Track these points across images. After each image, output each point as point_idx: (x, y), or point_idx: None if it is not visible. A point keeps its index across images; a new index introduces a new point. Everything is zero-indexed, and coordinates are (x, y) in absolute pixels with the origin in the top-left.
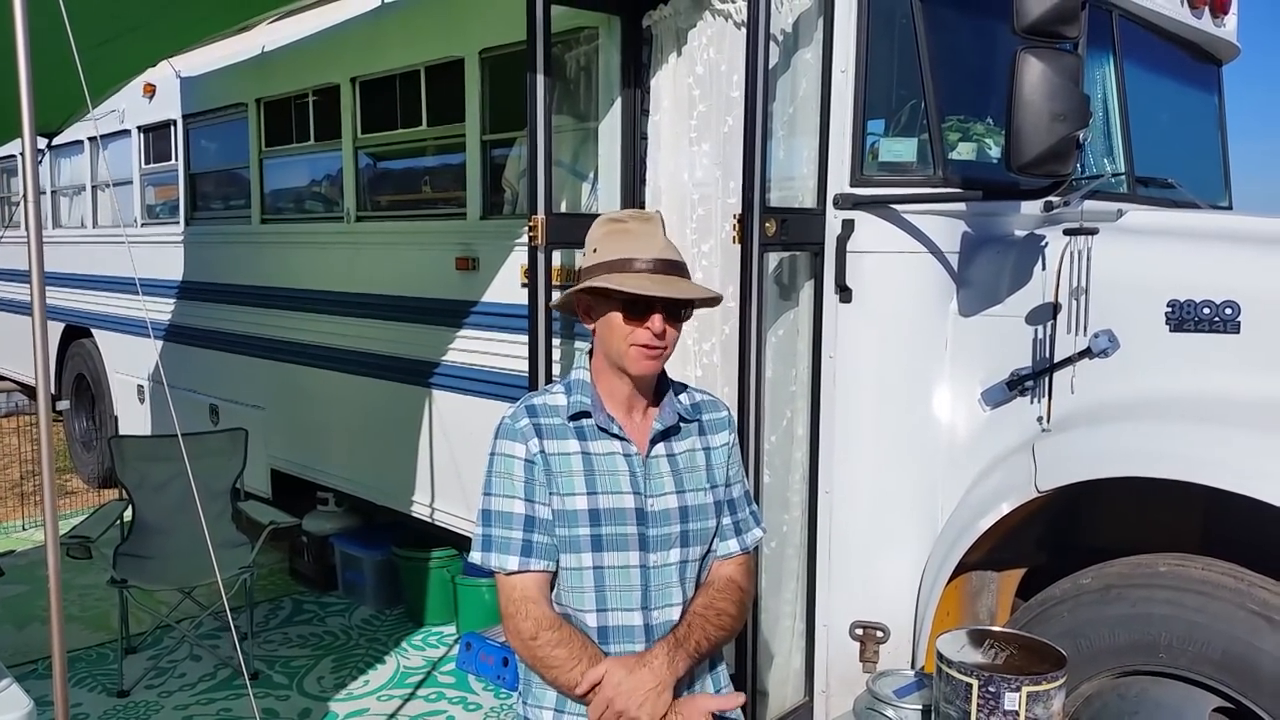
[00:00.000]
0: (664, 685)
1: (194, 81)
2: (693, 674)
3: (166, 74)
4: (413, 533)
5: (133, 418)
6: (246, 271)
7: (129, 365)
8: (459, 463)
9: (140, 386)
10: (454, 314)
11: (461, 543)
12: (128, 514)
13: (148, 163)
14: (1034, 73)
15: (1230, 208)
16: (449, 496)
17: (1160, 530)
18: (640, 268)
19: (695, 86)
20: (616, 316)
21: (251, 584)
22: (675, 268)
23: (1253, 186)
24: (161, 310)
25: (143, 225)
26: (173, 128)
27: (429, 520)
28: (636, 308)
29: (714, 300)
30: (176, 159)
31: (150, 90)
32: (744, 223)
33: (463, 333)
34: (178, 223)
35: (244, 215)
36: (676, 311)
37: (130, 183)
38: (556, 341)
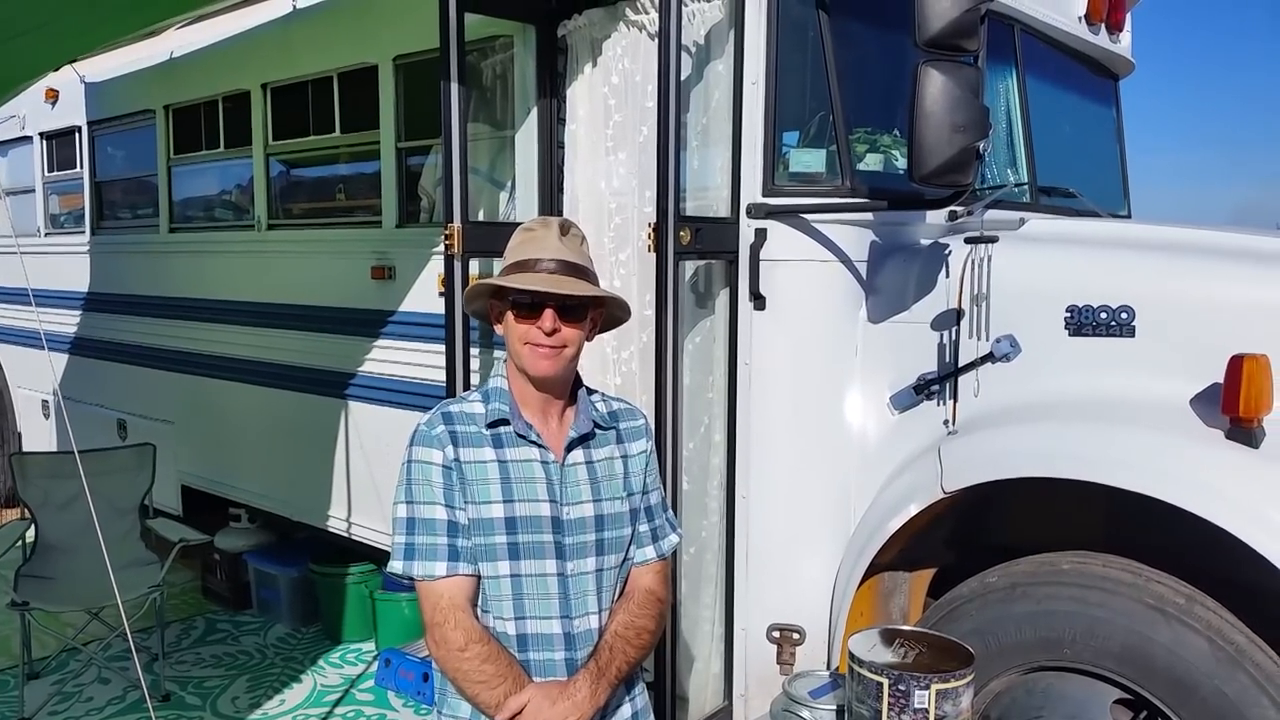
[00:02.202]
0: (584, 717)
1: (99, 87)
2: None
3: (70, 79)
4: (329, 548)
5: (37, 434)
6: (155, 282)
7: (33, 380)
8: (375, 476)
9: (45, 401)
10: (370, 324)
11: (380, 557)
12: (30, 534)
13: (51, 170)
14: (935, 85)
15: (1129, 216)
16: (366, 510)
17: (1066, 529)
18: (536, 268)
19: (611, 96)
20: (510, 315)
21: (161, 603)
22: (570, 268)
23: (1164, 197)
24: (67, 322)
25: (46, 235)
26: (77, 134)
27: (346, 535)
28: (527, 306)
29: (618, 305)
30: (81, 166)
31: (53, 96)
32: (659, 231)
33: (379, 342)
34: (83, 232)
35: (152, 224)
36: (576, 313)
37: (32, 191)
38: (475, 351)
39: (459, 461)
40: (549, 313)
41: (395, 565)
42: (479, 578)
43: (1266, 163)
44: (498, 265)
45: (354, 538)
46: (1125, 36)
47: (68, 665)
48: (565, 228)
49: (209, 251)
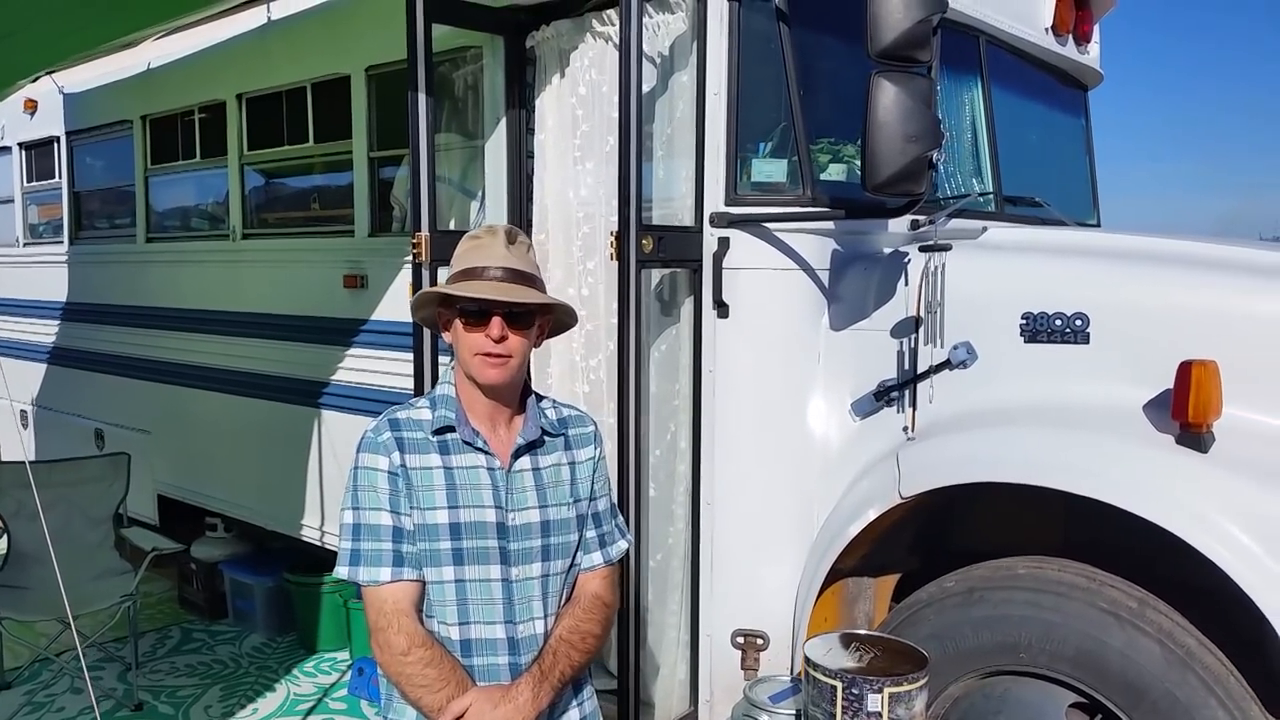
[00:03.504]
0: None
1: (78, 98)
2: (555, 699)
3: (49, 89)
4: (304, 557)
5: (14, 444)
6: (132, 291)
7: (9, 389)
8: None
9: (23, 411)
10: (343, 332)
11: None
12: (3, 543)
13: (30, 180)
14: (887, 96)
15: (1099, 225)
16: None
17: (1025, 533)
18: (483, 275)
19: (579, 106)
20: (459, 324)
21: (135, 612)
22: (518, 276)
23: (1138, 205)
24: (44, 332)
25: (25, 245)
26: (56, 144)
27: (320, 544)
28: (475, 314)
29: (565, 311)
30: (60, 177)
31: (32, 106)
32: (621, 240)
33: (352, 351)
34: (61, 242)
35: (129, 234)
36: (523, 320)
37: (11, 201)
38: (444, 359)
39: (405, 468)
40: (497, 320)
41: (341, 571)
42: (424, 583)
43: (1250, 172)
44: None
45: (328, 546)
46: (1094, 48)
47: (40, 675)
48: (512, 235)
49: (185, 261)
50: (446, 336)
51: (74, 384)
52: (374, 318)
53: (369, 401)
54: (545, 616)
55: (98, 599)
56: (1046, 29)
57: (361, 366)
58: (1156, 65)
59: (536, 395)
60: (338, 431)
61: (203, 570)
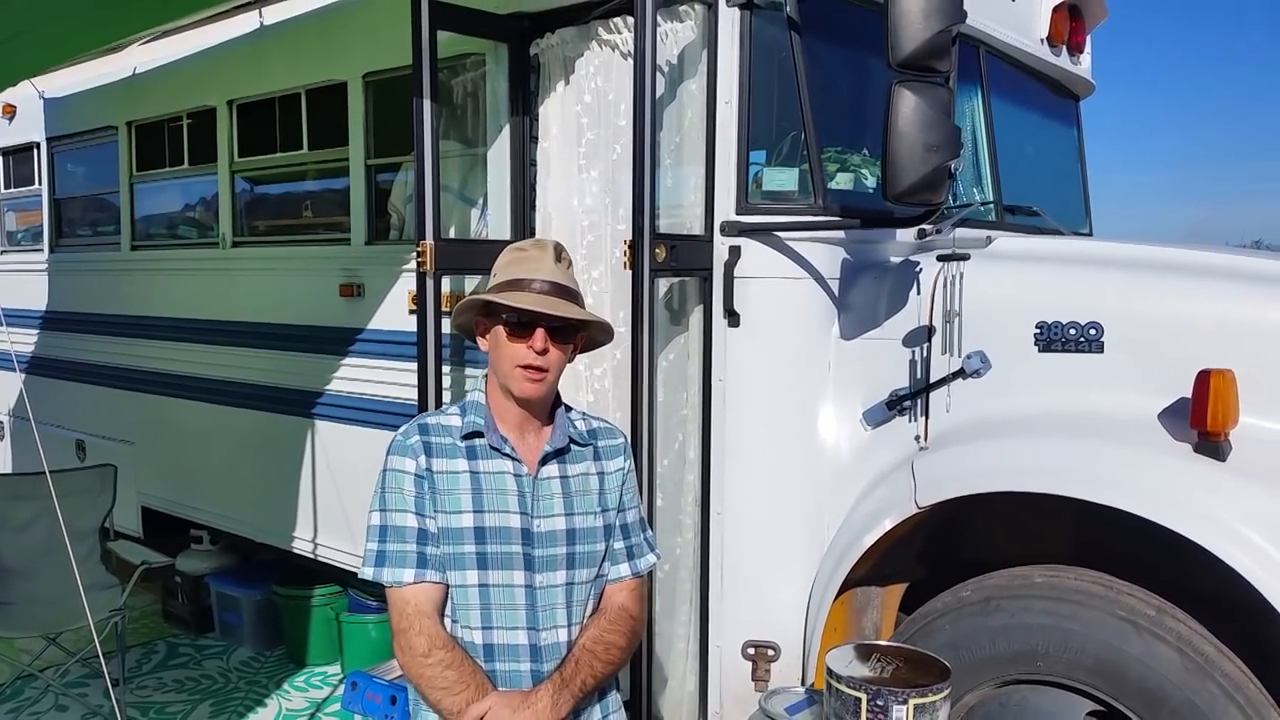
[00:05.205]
0: None
1: (59, 103)
2: (578, 707)
3: (29, 94)
4: (293, 570)
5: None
6: (116, 300)
7: None
8: (343, 496)
9: (1, 422)
10: (338, 341)
11: (347, 579)
12: None
13: (8, 187)
14: (908, 105)
15: (1091, 234)
16: (333, 531)
17: (1035, 542)
18: (529, 288)
19: (583, 115)
20: (502, 333)
21: (123, 627)
22: (564, 291)
23: (1124, 214)
24: (22, 341)
25: (3, 253)
26: (36, 150)
27: (311, 556)
28: (521, 325)
29: (608, 331)
30: (40, 183)
31: (10, 111)
32: (634, 249)
33: (347, 361)
34: (41, 250)
35: (114, 242)
36: (564, 334)
37: None
38: (446, 369)
39: (431, 471)
40: (540, 333)
41: (366, 571)
42: (447, 586)
43: (1219, 181)
44: (469, 282)
45: (320, 559)
46: (1085, 59)
47: (23, 692)
48: (559, 252)
49: (172, 270)
50: (483, 344)
51: (53, 394)
52: (371, 326)
53: (365, 411)
54: (569, 625)
55: (85, 614)
56: (1042, 40)
57: (357, 376)
58: (1133, 67)
59: (565, 406)
60: (332, 442)
61: (188, 583)
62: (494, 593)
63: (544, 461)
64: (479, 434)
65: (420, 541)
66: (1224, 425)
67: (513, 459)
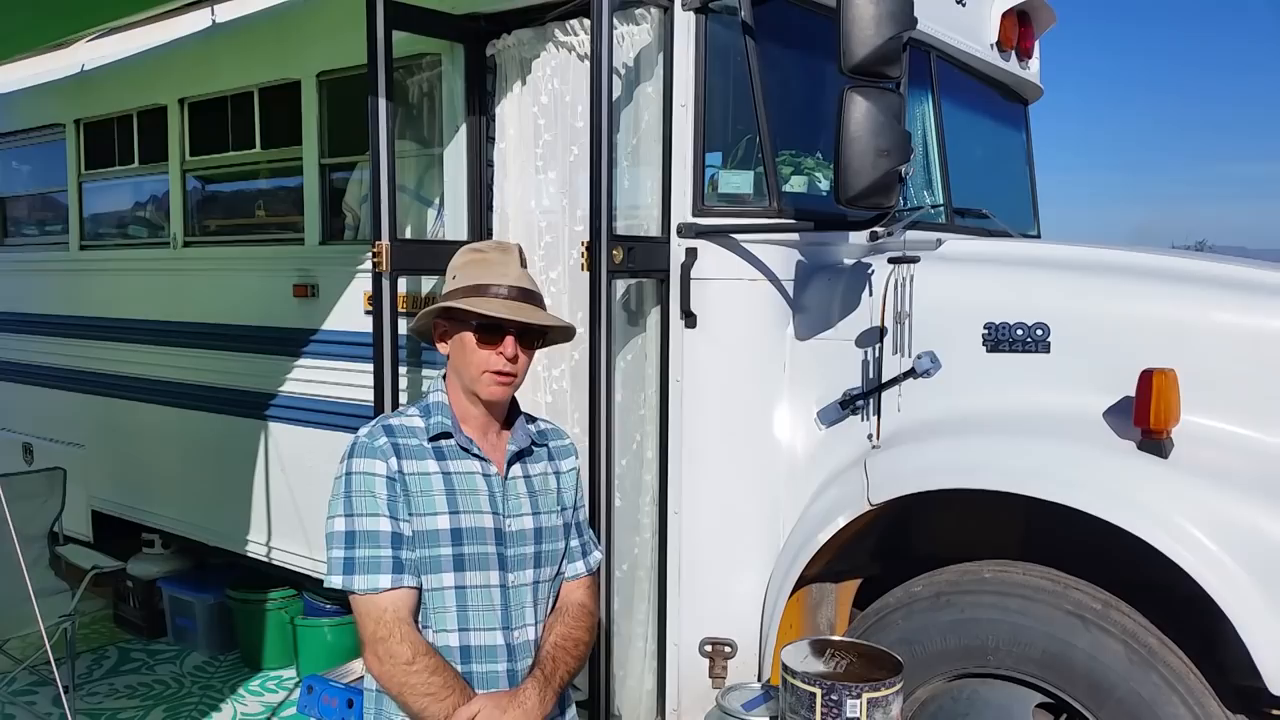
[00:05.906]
0: None
1: (3, 99)
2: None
3: None
4: (247, 573)
5: None
6: (64, 301)
7: None
8: (297, 498)
9: None
10: (291, 342)
11: (301, 582)
12: None
13: None
14: (860, 110)
15: (1039, 236)
16: (287, 534)
17: (986, 538)
18: (496, 293)
19: (540, 116)
20: (470, 339)
21: (73, 633)
22: (530, 296)
23: (1069, 216)
24: None
25: None
26: None
27: (265, 560)
28: (491, 331)
29: (568, 331)
30: None
31: None
32: (592, 250)
33: (301, 362)
34: None
35: (61, 241)
36: (529, 339)
37: None
38: (403, 369)
39: (403, 474)
40: (510, 340)
41: (335, 580)
42: (420, 591)
43: (1167, 184)
44: (426, 283)
45: (274, 562)
46: (1034, 63)
47: None
48: (523, 255)
49: (122, 270)
50: (442, 348)
51: None
52: (325, 327)
53: (319, 413)
54: (536, 623)
55: (33, 620)
56: (991, 45)
57: (311, 377)
58: (1087, 78)
59: (519, 407)
60: (286, 444)
61: (140, 588)
62: (471, 594)
63: (510, 462)
64: (447, 435)
65: (395, 546)
66: (1166, 423)
67: (481, 459)
